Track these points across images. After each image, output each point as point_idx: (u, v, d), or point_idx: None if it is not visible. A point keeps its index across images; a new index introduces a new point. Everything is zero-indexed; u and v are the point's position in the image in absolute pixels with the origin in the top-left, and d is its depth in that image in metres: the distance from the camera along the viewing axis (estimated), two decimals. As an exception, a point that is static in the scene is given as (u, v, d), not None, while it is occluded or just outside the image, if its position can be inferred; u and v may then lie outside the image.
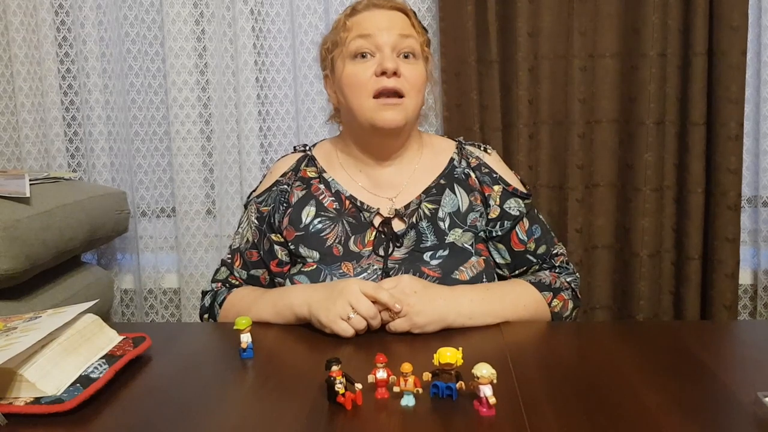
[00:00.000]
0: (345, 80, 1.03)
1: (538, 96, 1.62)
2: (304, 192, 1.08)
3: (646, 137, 1.58)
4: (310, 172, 1.11)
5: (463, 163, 1.10)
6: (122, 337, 0.84)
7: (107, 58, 1.72)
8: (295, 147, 1.17)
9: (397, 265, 1.00)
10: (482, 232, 1.06)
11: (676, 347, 0.81)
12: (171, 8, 1.67)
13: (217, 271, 1.14)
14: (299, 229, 1.05)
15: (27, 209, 1.25)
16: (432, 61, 1.11)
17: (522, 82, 1.60)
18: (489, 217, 1.06)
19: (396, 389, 0.67)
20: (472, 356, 0.67)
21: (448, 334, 0.88)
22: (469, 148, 1.12)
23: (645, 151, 1.59)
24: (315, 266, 1.01)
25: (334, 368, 0.66)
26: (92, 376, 0.72)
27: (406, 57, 1.02)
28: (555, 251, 1.10)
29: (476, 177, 1.08)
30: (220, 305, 1.06)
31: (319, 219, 1.05)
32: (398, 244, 1.02)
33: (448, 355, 0.65)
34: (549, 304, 1.00)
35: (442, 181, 1.08)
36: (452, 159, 1.10)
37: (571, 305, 1.03)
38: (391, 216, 1.05)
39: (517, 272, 1.08)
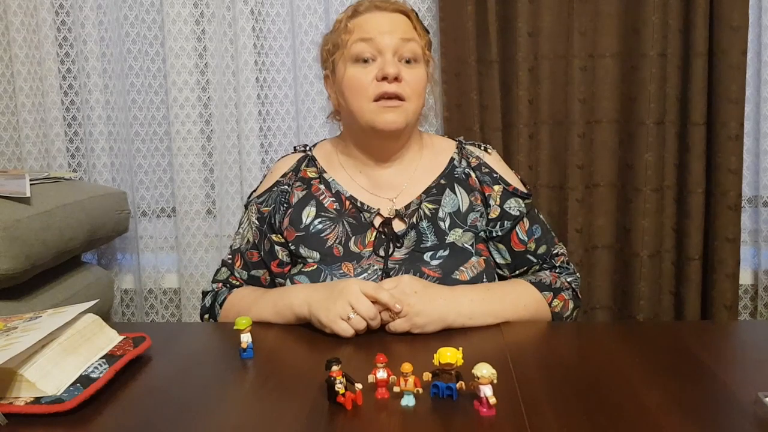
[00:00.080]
0: (346, 83, 1.02)
1: (538, 96, 1.62)
2: (304, 192, 1.08)
3: (647, 137, 1.58)
4: (311, 173, 1.11)
5: (464, 163, 1.09)
6: (122, 337, 0.84)
7: (107, 58, 1.72)
8: (295, 147, 1.17)
9: (397, 266, 1.00)
10: (482, 232, 1.06)
11: (676, 347, 0.81)
12: (171, 8, 1.67)
13: (218, 271, 1.14)
14: (300, 229, 1.05)
15: (27, 209, 1.25)
16: (433, 64, 1.11)
17: (522, 82, 1.60)
18: (489, 217, 1.06)
19: (396, 389, 0.67)
20: (472, 356, 0.67)
21: (448, 334, 0.88)
22: (470, 148, 1.12)
23: (645, 151, 1.59)
24: (315, 266, 1.01)
25: (334, 368, 0.66)
26: (92, 376, 0.72)
27: (407, 62, 1.02)
28: (555, 251, 1.10)
29: (476, 177, 1.08)
30: (221, 305, 1.06)
31: (319, 219, 1.05)
32: (398, 245, 1.02)
33: (449, 355, 0.65)
34: (549, 304, 1.00)
35: (442, 181, 1.07)
36: (452, 159, 1.10)
37: (571, 305, 1.03)
38: (392, 216, 1.04)
39: (517, 272, 1.08)
